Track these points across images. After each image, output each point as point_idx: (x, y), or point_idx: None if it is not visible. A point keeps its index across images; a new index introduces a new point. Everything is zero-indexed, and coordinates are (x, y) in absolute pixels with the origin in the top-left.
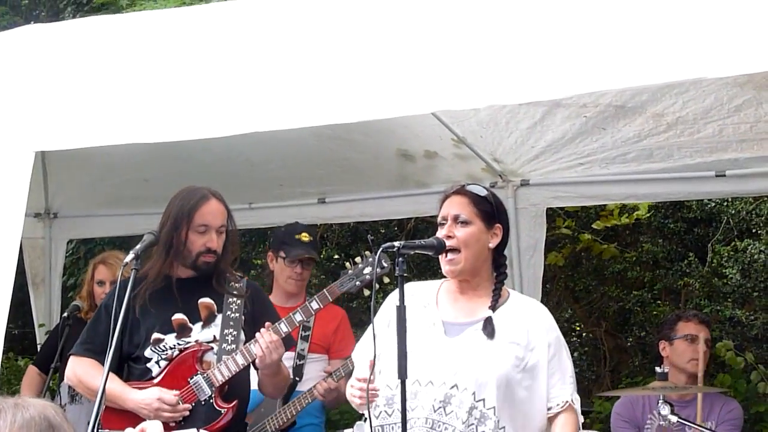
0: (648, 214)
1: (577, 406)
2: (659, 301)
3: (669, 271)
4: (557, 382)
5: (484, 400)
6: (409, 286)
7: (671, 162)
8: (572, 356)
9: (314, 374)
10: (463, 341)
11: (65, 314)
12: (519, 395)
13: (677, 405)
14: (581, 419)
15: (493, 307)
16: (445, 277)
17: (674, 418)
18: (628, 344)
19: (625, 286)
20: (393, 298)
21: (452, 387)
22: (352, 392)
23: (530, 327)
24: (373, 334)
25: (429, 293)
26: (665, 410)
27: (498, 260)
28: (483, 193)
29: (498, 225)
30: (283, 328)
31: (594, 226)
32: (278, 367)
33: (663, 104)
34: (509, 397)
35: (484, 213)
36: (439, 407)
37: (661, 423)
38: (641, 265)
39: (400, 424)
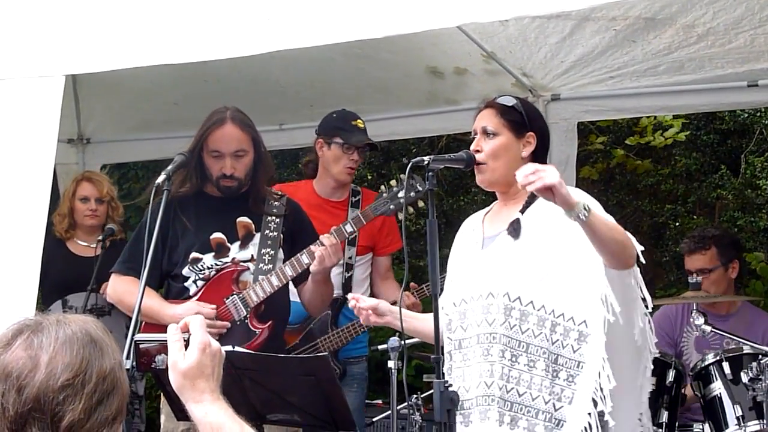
0: (683, 133)
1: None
2: (693, 215)
3: (702, 183)
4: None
5: (519, 298)
6: (471, 217)
7: (702, 73)
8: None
9: (360, 277)
10: (493, 249)
11: (100, 238)
12: (562, 280)
13: (714, 319)
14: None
15: (523, 210)
16: (476, 195)
17: (708, 328)
18: (663, 259)
19: (659, 200)
20: (460, 232)
21: (488, 296)
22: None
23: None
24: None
25: (479, 217)
26: (699, 320)
27: None
28: (511, 102)
29: (530, 133)
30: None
31: (627, 142)
32: (327, 276)
33: (693, 15)
34: (551, 286)
35: (512, 123)
36: (482, 320)
37: (696, 334)
38: (674, 179)
39: (473, 338)
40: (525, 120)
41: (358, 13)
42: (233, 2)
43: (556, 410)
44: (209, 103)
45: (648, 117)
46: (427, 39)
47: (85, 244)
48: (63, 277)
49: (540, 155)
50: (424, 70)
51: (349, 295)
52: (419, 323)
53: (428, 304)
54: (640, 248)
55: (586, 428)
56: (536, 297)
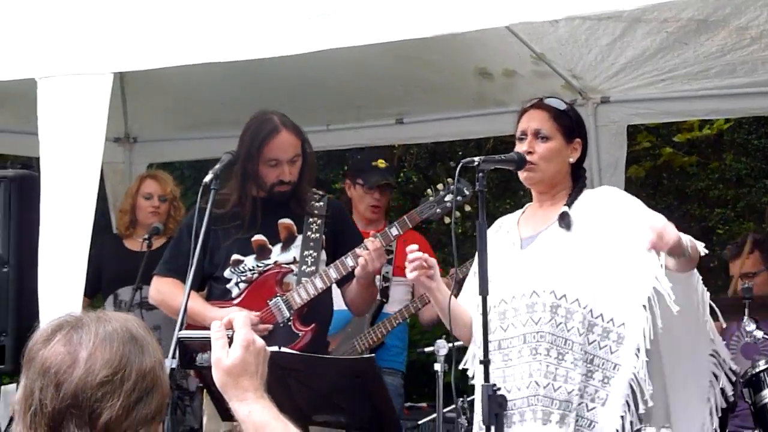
0: (727, 125)
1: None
2: (743, 219)
3: (752, 188)
4: (642, 259)
5: (565, 296)
6: (500, 219)
7: (755, 77)
8: None
9: (399, 297)
10: (535, 247)
11: (146, 236)
12: (606, 279)
13: (764, 325)
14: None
15: (569, 204)
16: (522, 198)
17: (759, 334)
18: (711, 264)
19: (708, 205)
20: (489, 234)
21: (531, 294)
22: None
23: (604, 209)
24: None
25: (512, 219)
26: (751, 326)
27: (577, 173)
28: (563, 107)
29: (578, 139)
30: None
31: (675, 139)
32: (374, 278)
33: (746, 17)
34: (596, 285)
35: (564, 128)
36: (527, 319)
37: (746, 340)
38: (724, 183)
39: (511, 339)
40: (574, 126)
41: (406, 12)
42: (280, 1)
43: (588, 411)
44: (256, 104)
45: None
46: (476, 40)
47: (142, 241)
48: (117, 273)
49: (581, 163)
50: (472, 72)
51: (409, 248)
52: (463, 317)
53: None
54: (703, 251)
55: (618, 430)
56: (581, 295)
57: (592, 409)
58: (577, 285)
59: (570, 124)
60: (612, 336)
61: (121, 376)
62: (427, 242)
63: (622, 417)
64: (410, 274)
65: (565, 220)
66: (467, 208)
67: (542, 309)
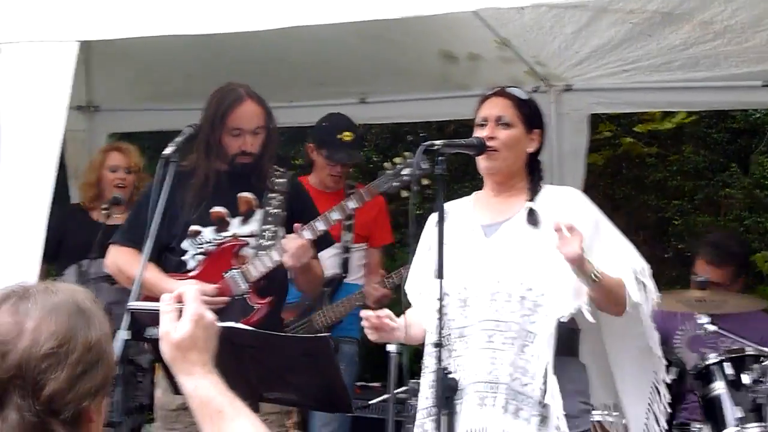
0: (689, 119)
1: (640, 280)
2: (699, 212)
3: (710, 181)
4: (602, 260)
5: (531, 289)
6: (446, 205)
7: (717, 71)
8: None
9: (356, 263)
10: (501, 237)
11: (105, 205)
12: (564, 279)
13: (717, 317)
14: (634, 294)
15: (531, 199)
16: (481, 182)
17: (712, 328)
18: (666, 255)
19: (666, 196)
20: (431, 221)
21: (496, 282)
22: (364, 323)
23: (567, 212)
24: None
25: (463, 206)
26: (703, 319)
27: (533, 165)
28: (524, 96)
29: (537, 130)
30: (320, 226)
31: (636, 129)
32: (308, 266)
33: (711, 12)
34: (556, 283)
35: (525, 116)
36: (489, 307)
37: (697, 332)
38: (682, 175)
39: (475, 325)
40: (534, 116)
41: None
42: None
43: (542, 407)
44: (221, 77)
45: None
46: (442, 23)
47: (105, 212)
48: (83, 244)
49: (537, 155)
50: (437, 54)
51: (362, 313)
52: (417, 330)
53: (398, 292)
54: (635, 299)
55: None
56: (548, 289)
57: (545, 405)
58: (542, 280)
59: (530, 114)
60: (528, 304)
61: (66, 348)
62: (384, 201)
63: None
64: (370, 336)
65: (532, 217)
66: (425, 181)
67: (506, 298)
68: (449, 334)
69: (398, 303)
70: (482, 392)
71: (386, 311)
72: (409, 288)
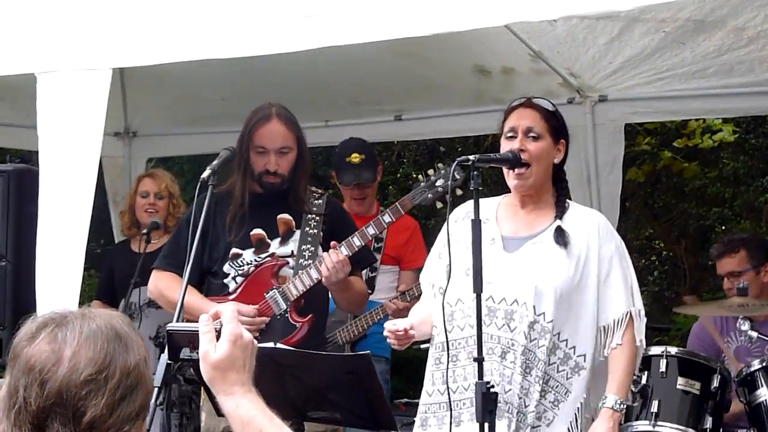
0: (731, 138)
1: (639, 322)
2: (740, 218)
3: (750, 187)
4: (614, 294)
5: (543, 314)
6: (468, 204)
7: (752, 76)
8: (652, 275)
9: (385, 285)
10: (522, 255)
11: (144, 231)
12: (577, 307)
13: (758, 324)
14: (639, 336)
15: (560, 217)
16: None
17: (754, 334)
18: (709, 263)
19: (705, 203)
20: (450, 217)
21: (512, 303)
22: (388, 340)
23: (589, 237)
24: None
25: (489, 209)
26: (745, 326)
27: (558, 176)
28: (551, 107)
29: (562, 141)
30: (356, 242)
31: (675, 144)
32: (346, 283)
33: (744, 18)
34: (567, 310)
35: (552, 128)
36: (503, 324)
37: (741, 340)
38: (721, 182)
39: (460, 340)
40: (560, 127)
41: (405, 10)
42: None
43: (533, 428)
44: (256, 99)
45: (696, 120)
46: (475, 38)
47: (143, 240)
48: (126, 275)
49: (562, 166)
50: (471, 69)
51: (385, 325)
52: (426, 327)
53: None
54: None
55: None
56: (556, 316)
57: (536, 427)
58: (554, 306)
59: (557, 125)
60: (570, 363)
61: (105, 375)
62: (418, 225)
63: None
64: (394, 346)
65: (562, 237)
66: (459, 192)
67: (519, 320)
68: (456, 340)
69: None
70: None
71: (406, 322)
72: (423, 278)
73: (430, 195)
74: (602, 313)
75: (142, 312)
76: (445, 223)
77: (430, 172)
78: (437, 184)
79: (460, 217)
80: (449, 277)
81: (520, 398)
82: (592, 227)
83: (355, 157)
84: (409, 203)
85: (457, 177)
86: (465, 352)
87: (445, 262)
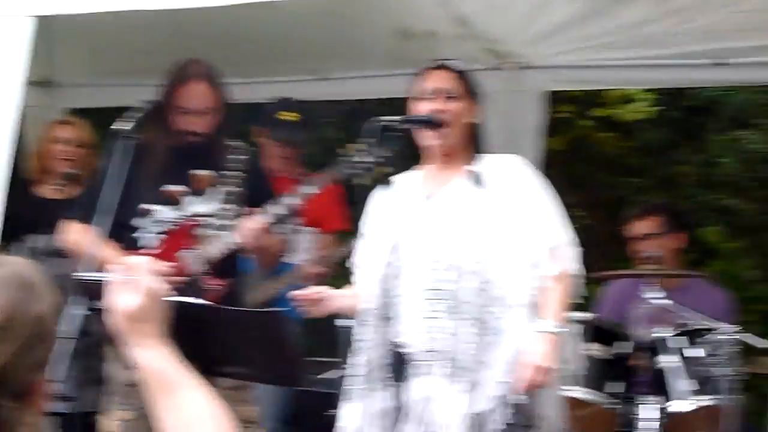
0: (649, 110)
1: (570, 251)
2: (654, 190)
3: (664, 159)
4: (540, 226)
5: (466, 256)
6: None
7: (674, 49)
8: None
9: (305, 246)
10: (439, 202)
11: (60, 180)
12: (502, 245)
13: (668, 291)
14: (571, 264)
15: (472, 164)
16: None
17: (662, 302)
18: (621, 233)
19: (620, 173)
20: (375, 197)
21: (436, 251)
22: (297, 303)
23: (506, 174)
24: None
25: (411, 178)
26: (653, 293)
27: (474, 136)
28: (465, 68)
29: (477, 101)
30: (275, 211)
31: (595, 113)
32: (265, 246)
33: None
34: (492, 248)
35: (468, 89)
36: (429, 275)
37: (648, 306)
38: (637, 152)
39: (417, 292)
40: (474, 88)
41: None
42: None
43: (478, 373)
44: (180, 54)
45: (615, 90)
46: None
47: (54, 187)
48: (25, 219)
49: (478, 128)
50: (393, 31)
51: (290, 294)
52: (351, 301)
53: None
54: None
55: (499, 397)
56: (481, 257)
57: (474, 371)
58: (478, 246)
59: (472, 86)
60: (500, 302)
61: (12, 323)
62: (341, 190)
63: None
64: (307, 313)
65: (474, 176)
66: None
67: (445, 267)
68: (388, 303)
69: (339, 278)
70: (426, 361)
71: (315, 289)
72: (352, 263)
73: (352, 171)
74: (528, 247)
75: (47, 259)
76: (366, 211)
77: (353, 146)
78: (363, 159)
79: (381, 194)
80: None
81: (452, 345)
82: (509, 165)
83: (290, 115)
84: (333, 176)
85: (382, 155)
86: (412, 306)
87: (371, 239)
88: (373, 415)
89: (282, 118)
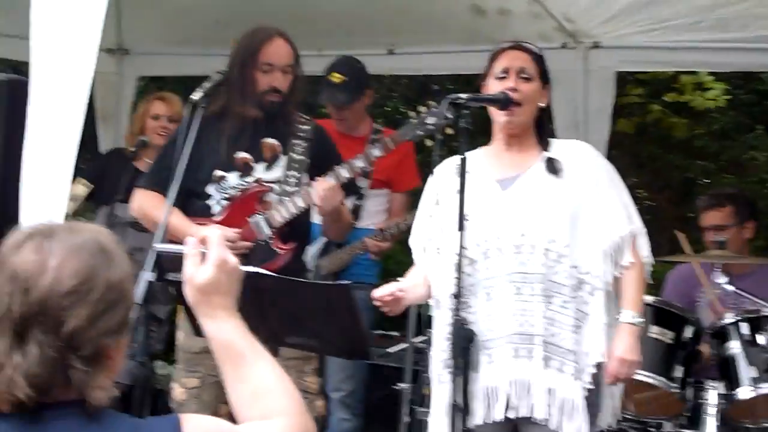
0: (724, 97)
1: (642, 239)
2: (724, 173)
3: (736, 143)
4: (614, 215)
5: (555, 240)
6: (449, 160)
7: (746, 32)
8: None
9: (374, 209)
10: (520, 188)
11: (132, 148)
12: (582, 231)
13: (735, 277)
14: (645, 253)
15: (546, 150)
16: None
17: (731, 288)
18: (689, 214)
19: (691, 156)
20: (437, 172)
21: (521, 236)
22: (377, 303)
23: (579, 163)
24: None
25: (476, 158)
26: (722, 279)
27: (543, 119)
28: (539, 51)
29: (548, 85)
30: (344, 173)
31: (665, 98)
32: (338, 213)
33: None
34: (575, 235)
35: (542, 71)
36: (514, 259)
37: (716, 291)
38: (709, 135)
39: (500, 277)
40: (547, 71)
41: None
42: None
43: (578, 357)
44: (249, 24)
45: (688, 76)
46: None
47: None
48: (115, 186)
49: (548, 108)
50: (467, 7)
51: (373, 294)
52: (422, 289)
53: (403, 244)
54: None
55: (591, 381)
56: (569, 242)
57: (570, 352)
58: (565, 232)
59: (545, 69)
60: (586, 287)
61: (88, 287)
62: (411, 146)
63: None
64: (387, 313)
65: (553, 165)
66: (449, 131)
67: (530, 251)
68: (464, 287)
69: (401, 253)
70: (517, 344)
71: (393, 286)
72: (413, 243)
73: (420, 132)
74: (606, 235)
75: (122, 228)
76: (429, 183)
77: (422, 109)
78: (428, 121)
79: (445, 172)
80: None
81: (546, 329)
82: (580, 154)
83: (335, 77)
84: (399, 139)
85: (449, 116)
86: (497, 290)
87: (437, 221)
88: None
89: (329, 78)
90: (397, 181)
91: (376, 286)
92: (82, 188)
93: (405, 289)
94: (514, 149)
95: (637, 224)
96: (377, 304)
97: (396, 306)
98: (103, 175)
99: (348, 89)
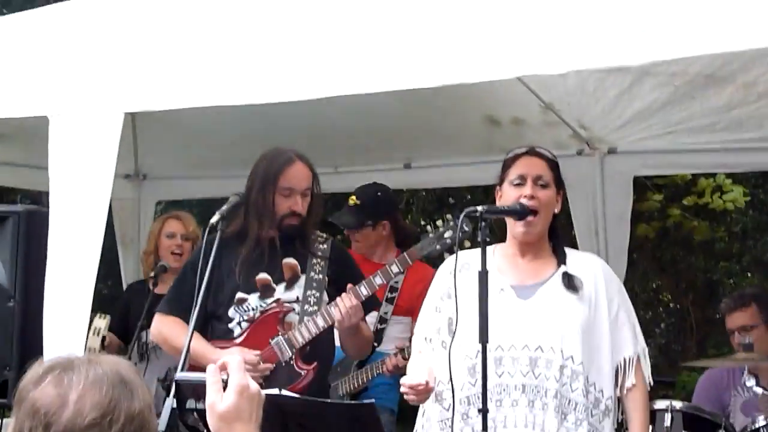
0: (743, 199)
1: (646, 361)
2: (748, 273)
3: (758, 242)
4: (624, 334)
5: (572, 357)
6: (462, 254)
7: (762, 132)
8: (659, 327)
9: (395, 335)
10: (539, 301)
11: (152, 274)
12: (597, 349)
13: (765, 379)
14: (648, 374)
15: (564, 263)
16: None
17: (759, 390)
18: (717, 316)
19: (713, 257)
20: (443, 269)
21: (536, 349)
22: (407, 397)
23: (595, 280)
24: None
25: (485, 260)
26: (751, 381)
27: (553, 225)
28: (554, 157)
29: (562, 191)
30: (363, 291)
31: (684, 202)
32: (358, 329)
33: (754, 73)
34: (590, 352)
35: (556, 178)
36: (528, 371)
37: (745, 397)
38: (730, 236)
39: (512, 386)
40: (561, 177)
41: (417, 60)
42: (291, 46)
43: None
44: (266, 144)
45: (706, 179)
46: (486, 88)
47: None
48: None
49: (559, 214)
50: (481, 119)
51: (403, 380)
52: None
53: None
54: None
55: None
56: (584, 360)
57: None
58: (580, 349)
59: (559, 175)
60: (601, 406)
61: (109, 419)
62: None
63: None
64: (412, 402)
65: (571, 282)
66: (467, 244)
67: (545, 365)
68: (475, 394)
69: None
70: None
71: (422, 376)
72: (418, 333)
73: (438, 246)
74: (616, 353)
75: (155, 352)
76: (437, 275)
77: (439, 223)
78: (446, 235)
79: (457, 268)
80: (456, 330)
81: None
82: (596, 271)
83: (351, 199)
84: (417, 254)
85: (466, 229)
86: (510, 399)
87: (445, 315)
88: None
89: (347, 199)
90: (419, 310)
91: (395, 410)
92: (104, 322)
93: (432, 378)
94: (528, 256)
95: (641, 345)
96: (405, 391)
97: (424, 397)
98: (128, 311)
99: (357, 213)
